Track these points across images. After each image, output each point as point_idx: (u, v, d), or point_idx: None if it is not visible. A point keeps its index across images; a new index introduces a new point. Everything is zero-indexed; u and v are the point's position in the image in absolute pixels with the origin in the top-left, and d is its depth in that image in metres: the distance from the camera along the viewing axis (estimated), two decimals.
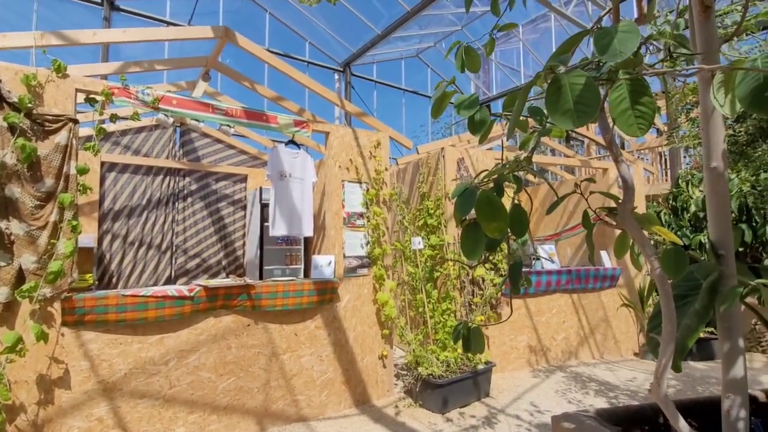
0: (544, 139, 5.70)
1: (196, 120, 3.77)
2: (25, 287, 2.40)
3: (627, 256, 5.04)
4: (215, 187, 5.63)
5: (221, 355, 3.12)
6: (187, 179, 5.44)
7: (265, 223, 5.19)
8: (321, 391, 3.56)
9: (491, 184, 1.11)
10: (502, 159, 4.40)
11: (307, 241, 5.41)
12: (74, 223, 2.66)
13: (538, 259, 5.05)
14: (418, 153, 4.76)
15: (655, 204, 6.86)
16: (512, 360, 4.71)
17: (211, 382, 3.07)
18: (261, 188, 5.15)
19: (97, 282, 4.72)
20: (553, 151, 9.81)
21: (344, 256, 3.78)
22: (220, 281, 3.16)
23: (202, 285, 3.01)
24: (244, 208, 5.80)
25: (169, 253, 5.27)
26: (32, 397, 2.51)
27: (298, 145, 3.79)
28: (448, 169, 4.58)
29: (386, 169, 4.11)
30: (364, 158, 4.01)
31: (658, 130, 8.22)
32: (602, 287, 5.28)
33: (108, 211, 4.93)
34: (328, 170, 3.86)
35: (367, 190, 3.98)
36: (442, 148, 4.64)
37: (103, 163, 4.91)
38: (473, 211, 1.00)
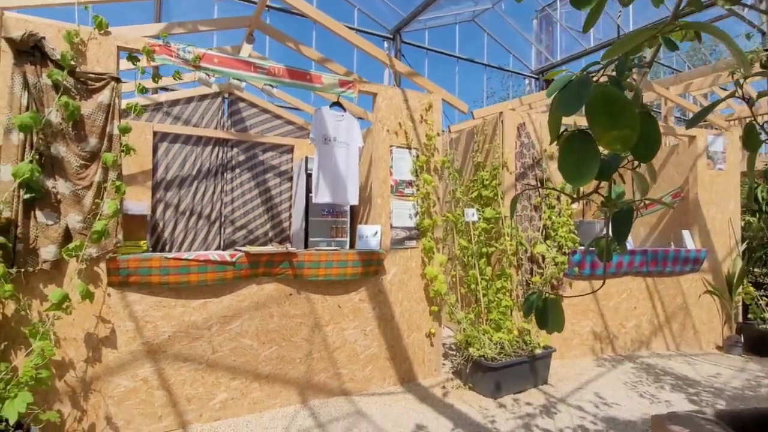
0: None
1: (238, 80, 3.64)
2: (71, 246, 2.39)
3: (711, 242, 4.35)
4: (262, 158, 5.57)
5: (263, 323, 3.03)
6: (235, 150, 5.42)
7: (310, 194, 5.06)
8: (364, 365, 3.40)
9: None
10: (573, 124, 3.90)
11: (354, 213, 5.24)
12: (118, 183, 2.61)
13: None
14: (473, 118, 4.37)
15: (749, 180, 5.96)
16: (574, 346, 4.29)
17: (253, 350, 2.99)
18: (306, 158, 5.00)
19: (151, 249, 4.85)
20: None
21: (391, 227, 3.54)
22: (262, 248, 3.04)
23: (244, 251, 2.90)
24: (291, 179, 5.71)
25: (217, 224, 5.31)
26: (80, 354, 2.53)
27: (344, 108, 3.54)
28: (507, 136, 4.15)
29: (438, 134, 3.78)
30: (414, 122, 3.70)
31: (748, 99, 7.12)
32: (683, 271, 4.65)
33: (161, 181, 5.01)
34: (375, 134, 3.60)
35: (417, 156, 3.68)
36: (501, 113, 4.21)
37: (155, 133, 4.98)
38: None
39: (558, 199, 4.20)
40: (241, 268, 2.87)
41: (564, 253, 4.08)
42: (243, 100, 5.50)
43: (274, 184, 5.64)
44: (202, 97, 5.29)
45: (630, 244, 4.63)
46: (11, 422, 2.04)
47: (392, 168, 3.56)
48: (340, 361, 3.30)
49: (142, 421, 2.66)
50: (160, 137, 5.03)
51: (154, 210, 4.98)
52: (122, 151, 2.70)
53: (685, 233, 4.79)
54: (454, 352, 4.32)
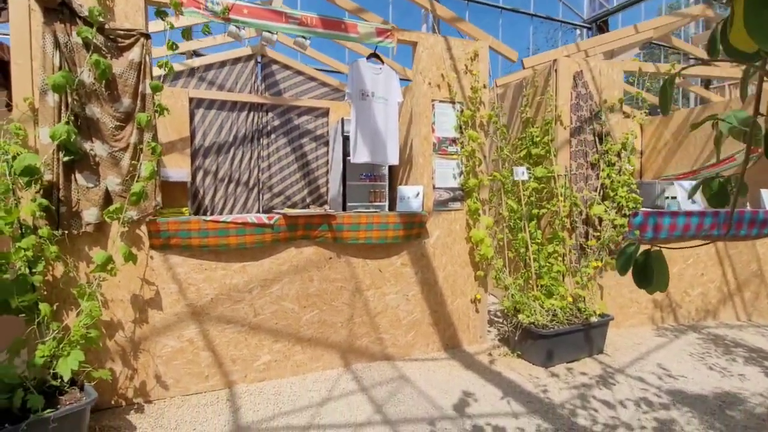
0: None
1: (269, 32, 3.45)
2: (111, 208, 2.36)
3: None
4: (297, 122, 5.43)
5: (303, 287, 2.96)
6: (270, 114, 5.31)
7: (348, 158, 4.90)
8: (407, 331, 3.30)
9: None
10: (637, 72, 3.44)
11: (392, 177, 5.04)
12: (153, 144, 2.54)
13: (674, 198, 4.09)
14: (524, 67, 3.98)
15: None
16: (631, 315, 3.99)
17: (295, 314, 2.95)
18: (342, 120, 4.81)
19: (192, 215, 4.91)
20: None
21: (434, 188, 3.33)
22: (299, 210, 2.93)
23: (281, 213, 2.81)
24: (327, 143, 5.56)
25: (255, 190, 5.29)
26: (128, 315, 2.56)
27: (382, 61, 3.29)
28: (562, 86, 3.75)
29: (485, 86, 3.46)
30: (458, 73, 3.39)
31: None
32: (759, 234, 4.16)
33: (199, 148, 5.01)
34: (415, 88, 3.34)
35: (462, 111, 3.39)
36: (555, 60, 3.80)
37: (191, 99, 4.94)
38: None
39: (618, 155, 3.80)
40: (279, 231, 2.79)
41: (624, 215, 3.73)
42: (276, 62, 5.33)
43: (310, 149, 5.52)
44: (236, 61, 5.17)
45: (698, 204, 4.18)
46: (65, 379, 2.09)
47: (434, 124, 3.31)
48: (382, 326, 3.21)
49: (189, 380, 2.71)
50: (195, 103, 4.99)
51: (194, 177, 5.01)
52: (156, 111, 2.62)
53: (764, 192, 4.26)
54: (501, 320, 4.15)
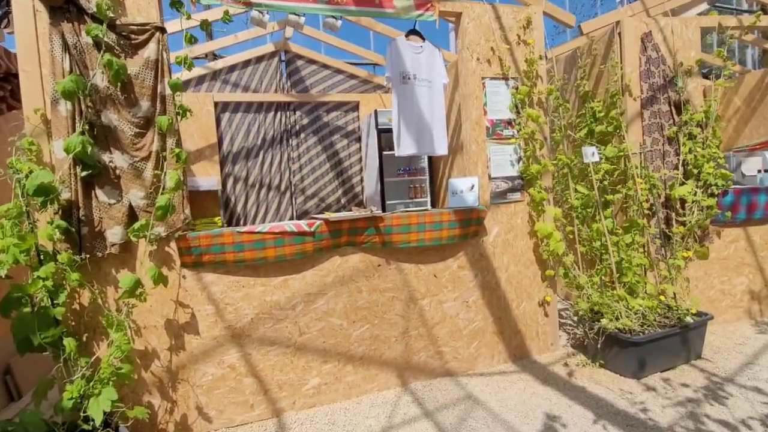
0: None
1: (296, 14, 3.13)
2: (136, 225, 2.10)
3: None
4: (327, 119, 5.12)
5: (351, 300, 2.63)
6: (298, 113, 5.02)
7: (384, 152, 4.54)
8: (469, 342, 2.91)
9: None
10: (717, 28, 2.87)
11: (432, 169, 4.65)
12: (177, 151, 2.26)
13: (765, 171, 3.51)
14: (581, 33, 3.49)
15: None
16: (724, 309, 3.45)
17: (343, 330, 2.62)
18: (376, 111, 4.46)
19: (225, 224, 4.70)
20: None
21: (490, 178, 2.92)
22: (343, 213, 2.60)
23: (322, 218, 2.48)
24: (359, 139, 5.22)
25: (288, 194, 5.02)
26: (163, 342, 2.30)
27: (422, 37, 2.90)
28: (628, 51, 3.25)
29: (541, 58, 3.01)
30: (510, 44, 2.96)
31: None
32: None
33: (227, 153, 4.78)
34: (462, 65, 2.93)
35: (517, 87, 2.96)
36: (617, 23, 3.29)
37: (216, 104, 4.71)
38: None
39: (701, 126, 3.26)
40: (321, 239, 2.46)
41: (711, 195, 3.19)
42: (300, 57, 5.03)
43: (341, 147, 5.20)
44: (258, 59, 4.90)
45: None
46: (97, 422, 1.83)
47: (486, 106, 2.89)
48: (440, 338, 2.84)
49: (234, 411, 2.43)
50: (221, 108, 4.76)
51: (224, 185, 4.79)
52: (177, 113, 2.34)
53: None
54: (573, 324, 3.69)
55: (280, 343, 2.50)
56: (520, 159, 2.98)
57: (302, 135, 5.03)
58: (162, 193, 2.18)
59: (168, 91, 2.31)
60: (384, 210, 4.54)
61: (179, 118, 2.38)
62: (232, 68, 4.83)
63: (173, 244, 2.30)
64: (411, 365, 2.79)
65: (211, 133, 4.63)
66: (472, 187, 2.81)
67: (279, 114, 4.94)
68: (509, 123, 2.96)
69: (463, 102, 2.93)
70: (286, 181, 5.00)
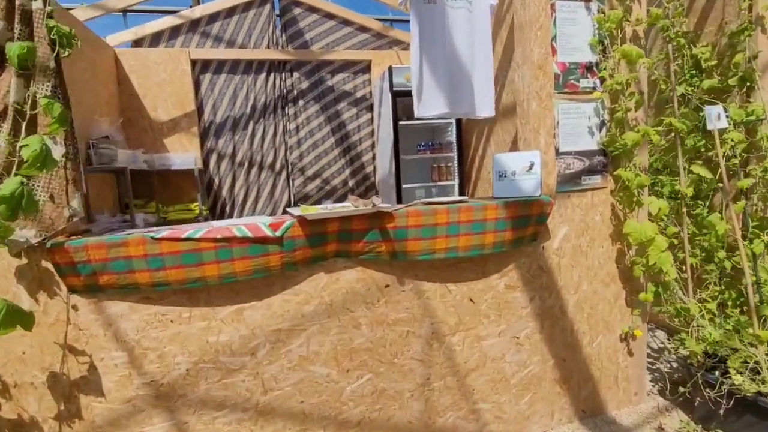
0: None
1: None
2: None
3: None
4: (331, 82, 4.16)
5: (344, 338, 1.73)
6: (296, 75, 4.07)
7: (400, 122, 3.57)
8: (519, 395, 1.99)
9: None
10: None
11: (461, 144, 3.64)
12: (49, 102, 1.36)
13: None
14: None
15: None
16: None
17: (332, 383, 1.73)
18: (390, 69, 3.46)
19: (208, 211, 3.86)
20: None
21: (557, 153, 1.92)
22: (327, 208, 1.68)
23: (296, 216, 1.56)
24: (371, 107, 4.25)
25: (284, 174, 4.13)
26: (47, 408, 1.47)
27: None
28: None
29: None
30: None
31: None
32: None
33: (209, 125, 3.90)
34: None
35: (603, 12, 1.92)
36: None
37: (194, 63, 3.81)
38: None
39: None
40: (294, 248, 1.55)
41: None
42: (298, 3, 4.04)
43: (349, 117, 4.24)
44: (247, 6, 3.95)
45: None
46: None
47: (555, 41, 1.87)
48: (477, 390, 1.92)
49: None
50: (201, 67, 3.86)
51: (205, 163, 3.93)
52: (54, 41, 1.43)
53: None
54: (674, 367, 2.71)
55: (233, 406, 1.63)
56: (603, 124, 1.97)
57: (301, 102, 4.09)
58: (15, 173, 1.30)
59: (37, 4, 1.40)
60: (399, 197, 3.59)
61: (64, 51, 1.47)
62: (213, 17, 3.89)
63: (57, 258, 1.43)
64: (434, 431, 1.89)
65: (187, 99, 3.75)
66: (531, 166, 1.83)
67: (272, 75, 4.00)
68: (589, 68, 1.94)
69: (519, 35, 1.92)
70: (281, 158, 4.10)
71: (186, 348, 1.57)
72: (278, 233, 1.50)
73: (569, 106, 1.92)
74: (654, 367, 2.59)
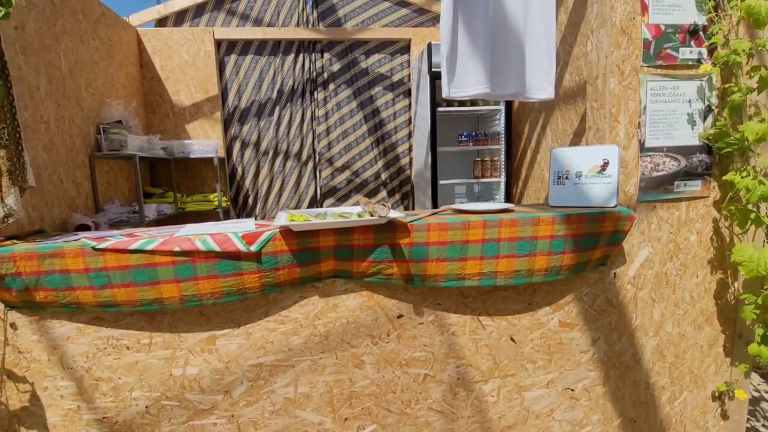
0: None
1: None
2: None
3: None
4: (365, 64, 3.76)
5: (343, 380, 1.36)
6: (327, 56, 3.71)
7: (439, 108, 3.11)
8: None
9: None
10: None
11: (510, 135, 3.13)
12: None
13: None
14: None
15: None
16: None
17: None
18: (430, 45, 3.00)
19: (230, 203, 3.63)
20: None
21: (642, 148, 1.41)
22: (328, 214, 1.29)
23: (278, 227, 1.18)
24: (409, 93, 3.81)
25: (311, 164, 3.81)
26: None
27: None
28: None
29: None
30: None
31: None
32: None
33: (233, 110, 3.65)
34: None
35: None
36: None
37: (218, 43, 3.55)
38: None
39: None
40: (274, 265, 1.18)
41: None
42: None
43: (384, 102, 3.83)
44: None
45: None
46: None
47: None
48: None
49: None
50: (226, 48, 3.59)
51: (228, 151, 3.68)
52: None
53: None
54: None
55: None
56: (710, 110, 1.43)
57: (331, 86, 3.73)
58: None
59: None
60: (435, 193, 3.15)
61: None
62: None
63: None
64: None
65: (210, 82, 3.51)
66: (605, 166, 1.35)
67: (301, 57, 3.67)
68: (693, 33, 1.41)
69: None
70: (308, 147, 3.78)
71: (145, 381, 1.27)
72: (254, 248, 1.14)
73: (662, 84, 1.40)
74: (749, 426, 2.01)
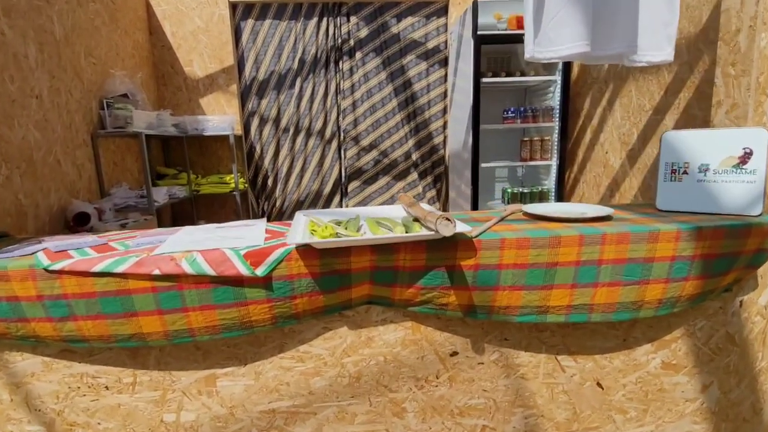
0: None
1: None
2: None
3: None
4: (396, 29, 3.33)
5: (377, 430, 1.06)
6: (353, 20, 3.30)
7: (484, 79, 2.69)
8: None
9: None
10: None
11: (567, 111, 2.68)
12: None
13: None
14: None
15: None
16: None
17: None
18: (476, 2, 2.55)
19: (248, 185, 3.35)
20: None
21: None
22: (355, 224, 0.96)
23: (296, 244, 0.85)
24: (445, 62, 3.38)
25: (335, 143, 3.47)
26: None
27: None
28: None
29: None
30: None
31: None
32: None
33: (251, 82, 3.31)
34: None
35: None
36: None
37: (234, 6, 3.19)
38: None
39: None
40: (290, 293, 0.87)
41: None
42: None
43: (417, 73, 3.43)
44: None
45: None
46: None
47: None
48: None
49: None
50: (242, 12, 3.23)
51: (246, 128, 3.38)
52: None
53: None
54: None
55: None
56: None
57: (358, 55, 3.33)
58: None
59: None
60: (476, 179, 2.77)
61: None
62: None
63: None
64: None
65: (225, 51, 3.18)
66: (746, 157, 0.96)
67: (325, 21, 3.27)
68: None
69: None
70: (332, 124, 3.43)
71: (131, 427, 1.01)
72: (260, 272, 0.82)
73: None
74: None
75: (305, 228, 0.91)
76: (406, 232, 0.88)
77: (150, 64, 3.09)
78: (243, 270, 0.82)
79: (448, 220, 0.78)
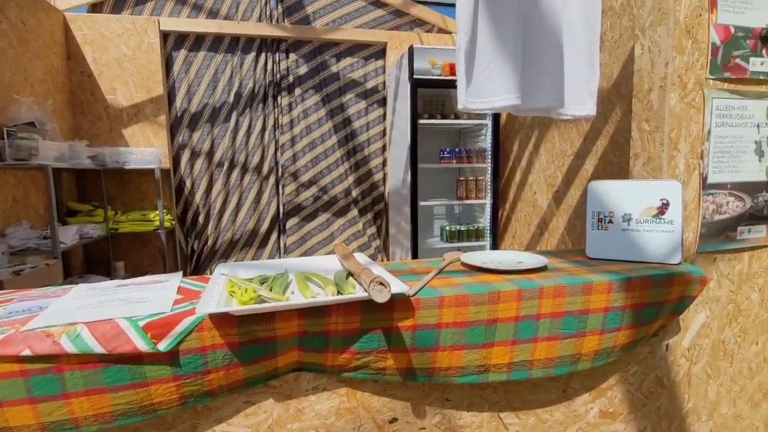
0: None
1: None
2: None
3: None
4: (336, 68, 3.36)
5: None
6: (292, 57, 3.28)
7: (421, 121, 2.76)
8: None
9: None
10: None
11: (498, 152, 2.81)
12: None
13: None
14: None
15: None
16: None
17: None
18: (411, 49, 2.63)
19: (175, 223, 3.10)
20: None
21: (703, 185, 1.09)
22: (281, 282, 0.87)
23: (217, 312, 0.74)
24: (384, 102, 3.45)
25: (272, 179, 3.34)
26: None
27: None
28: None
29: None
30: None
31: None
32: None
33: (181, 114, 3.14)
34: None
35: None
36: None
37: (165, 36, 3.04)
38: None
39: None
40: (202, 368, 0.74)
41: None
42: None
43: (357, 111, 3.45)
44: None
45: None
46: None
47: None
48: None
49: None
50: (174, 42, 3.10)
51: (176, 161, 3.16)
52: None
53: None
54: None
55: None
56: None
57: (298, 91, 3.30)
58: None
59: None
60: (415, 216, 2.77)
61: None
62: None
63: None
64: None
65: (154, 80, 2.99)
66: (664, 208, 1.01)
67: (263, 56, 3.22)
68: (765, 40, 1.11)
69: None
70: (270, 159, 3.32)
71: None
72: (163, 347, 0.70)
73: (729, 104, 1.09)
74: None
75: (223, 290, 0.80)
76: (339, 292, 0.80)
77: (66, 91, 2.82)
78: (141, 345, 0.69)
79: (383, 285, 0.72)
